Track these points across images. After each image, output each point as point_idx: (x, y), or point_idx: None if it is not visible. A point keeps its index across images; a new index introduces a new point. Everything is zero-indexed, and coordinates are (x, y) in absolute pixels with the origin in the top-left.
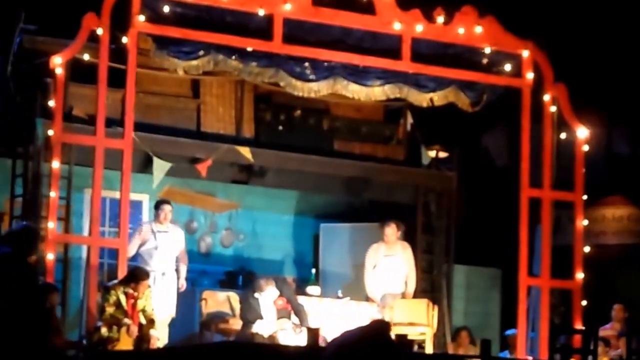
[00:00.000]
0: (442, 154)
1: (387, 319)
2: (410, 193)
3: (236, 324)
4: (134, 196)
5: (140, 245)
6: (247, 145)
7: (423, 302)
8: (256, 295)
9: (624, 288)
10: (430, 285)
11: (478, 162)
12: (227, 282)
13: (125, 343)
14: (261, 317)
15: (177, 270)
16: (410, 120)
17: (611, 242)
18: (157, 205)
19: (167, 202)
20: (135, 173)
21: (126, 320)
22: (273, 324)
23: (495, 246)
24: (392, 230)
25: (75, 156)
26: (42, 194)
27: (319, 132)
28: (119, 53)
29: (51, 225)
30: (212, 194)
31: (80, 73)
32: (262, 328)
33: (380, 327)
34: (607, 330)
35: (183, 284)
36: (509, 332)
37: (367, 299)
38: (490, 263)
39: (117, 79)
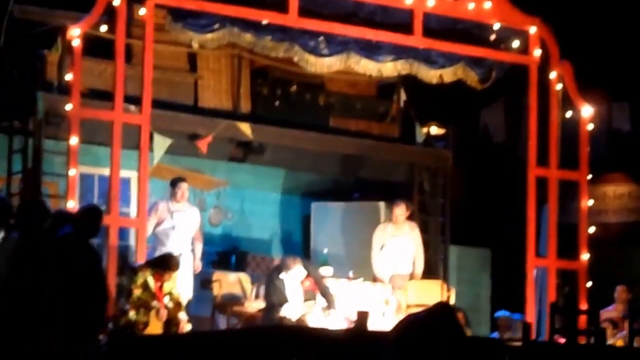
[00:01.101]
0: (437, 131)
1: (397, 300)
2: (405, 171)
3: (250, 307)
4: (122, 173)
5: (156, 225)
6: (244, 121)
7: (437, 283)
8: (282, 276)
9: (625, 267)
10: (426, 266)
11: (475, 139)
12: (219, 262)
13: (155, 327)
14: (287, 300)
15: (192, 251)
16: (403, 96)
17: (612, 221)
18: (174, 183)
19: (184, 180)
20: (123, 149)
21: (155, 303)
22: (300, 307)
23: (486, 226)
24: (401, 211)
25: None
26: (42, 171)
27: (315, 108)
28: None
29: (71, 204)
30: (200, 171)
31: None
32: (290, 311)
33: (446, 310)
34: (610, 312)
35: (199, 265)
36: (499, 313)
37: (374, 279)
38: (480, 243)
39: (112, 51)
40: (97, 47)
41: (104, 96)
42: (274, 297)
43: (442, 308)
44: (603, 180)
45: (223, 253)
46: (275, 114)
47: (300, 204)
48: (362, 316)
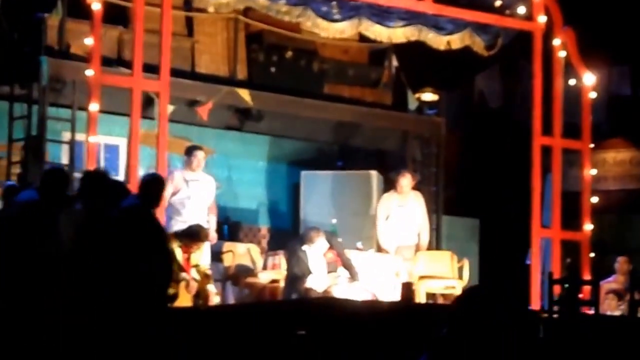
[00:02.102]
0: (432, 97)
1: (408, 271)
2: (397, 139)
3: (262, 278)
4: (110, 140)
5: (172, 195)
6: (242, 87)
7: (447, 254)
8: (304, 248)
9: (626, 236)
10: None
11: (471, 105)
12: None
13: (184, 300)
14: (310, 272)
15: (207, 222)
16: (395, 62)
17: (613, 188)
18: (189, 151)
19: (200, 148)
20: (111, 115)
21: (184, 275)
22: (324, 279)
23: (477, 195)
24: (407, 181)
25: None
26: (46, 138)
27: (310, 75)
28: None
29: None
30: (187, 138)
31: (76, 8)
32: (315, 283)
33: (511, 285)
34: (610, 283)
35: (214, 237)
36: None
37: (379, 250)
38: (469, 213)
39: (114, 15)
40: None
41: (106, 61)
42: (297, 269)
43: (505, 283)
44: (602, 147)
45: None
46: (272, 80)
47: (287, 172)
48: (407, 288)
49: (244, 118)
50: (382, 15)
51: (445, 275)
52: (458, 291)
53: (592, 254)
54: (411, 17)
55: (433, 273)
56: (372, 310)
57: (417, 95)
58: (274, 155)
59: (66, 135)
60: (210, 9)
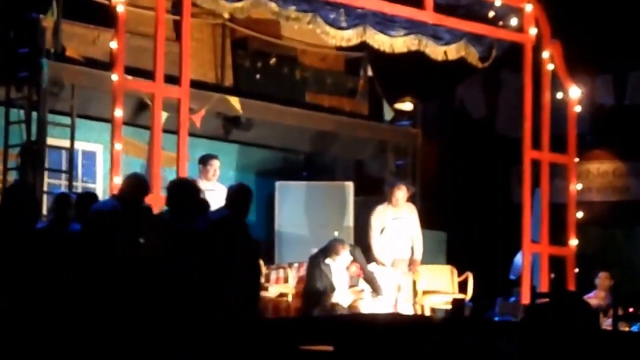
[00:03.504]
0: (409, 107)
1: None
2: (373, 149)
3: (272, 292)
4: (87, 146)
5: None
6: (229, 94)
7: (447, 268)
8: (327, 261)
9: (609, 249)
10: None
11: (451, 115)
12: None
13: None
14: (333, 286)
15: None
16: (369, 72)
17: (596, 200)
18: (205, 160)
19: (216, 157)
20: (88, 121)
21: None
22: (346, 293)
23: (447, 208)
24: (403, 193)
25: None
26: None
27: (292, 82)
28: None
29: (117, 180)
30: (163, 146)
31: (72, 10)
32: (340, 297)
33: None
34: (591, 299)
35: None
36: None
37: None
38: (437, 226)
39: (107, 17)
40: (85, 12)
41: (101, 65)
42: (319, 283)
43: (572, 298)
44: (586, 158)
45: None
46: (257, 87)
47: (255, 182)
48: (459, 304)
49: (234, 127)
50: (386, 24)
51: (446, 290)
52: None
53: (576, 269)
54: (412, 27)
55: (434, 288)
56: (423, 328)
57: (396, 105)
58: (242, 164)
59: (61, 142)
60: (226, 15)
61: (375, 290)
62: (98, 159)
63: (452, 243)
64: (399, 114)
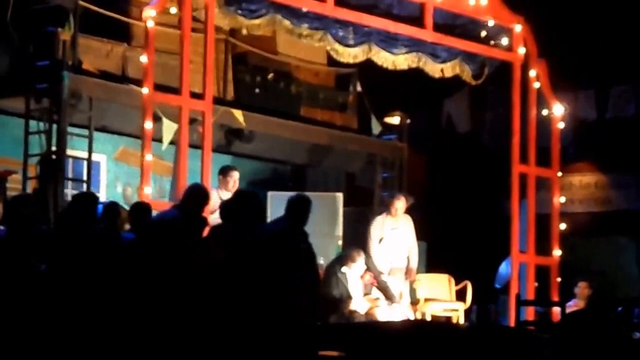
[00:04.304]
0: (398, 121)
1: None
2: (362, 162)
3: None
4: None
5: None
6: (233, 107)
7: (444, 277)
8: (344, 269)
9: (591, 258)
10: None
11: (438, 129)
12: None
13: None
14: (349, 294)
15: None
16: (358, 87)
17: (579, 211)
18: (225, 172)
19: (235, 169)
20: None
21: None
22: (362, 301)
23: (428, 219)
24: (402, 204)
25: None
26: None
27: (289, 97)
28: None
29: (147, 190)
30: (160, 156)
31: (86, 24)
32: (357, 305)
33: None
34: (571, 308)
35: None
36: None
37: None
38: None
39: (117, 31)
40: (98, 27)
41: (114, 78)
42: (336, 291)
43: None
44: (569, 170)
45: None
46: (257, 101)
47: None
48: (485, 311)
49: (236, 139)
50: (389, 42)
51: (444, 298)
52: (461, 314)
53: (559, 278)
54: (412, 45)
55: (434, 296)
56: (452, 335)
57: (385, 119)
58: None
59: (73, 152)
60: (244, 31)
61: (389, 298)
62: (102, 168)
63: (433, 253)
64: (387, 128)
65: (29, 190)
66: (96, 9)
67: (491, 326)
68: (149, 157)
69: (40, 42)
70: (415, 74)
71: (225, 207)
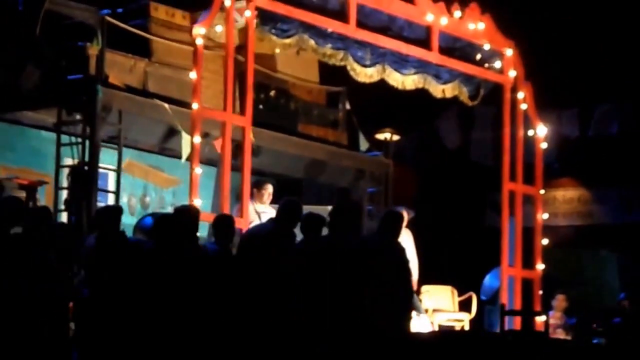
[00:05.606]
0: (391, 138)
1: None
2: (350, 177)
3: None
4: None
5: None
6: None
7: (447, 289)
8: None
9: (574, 270)
10: None
11: (427, 145)
12: None
13: None
14: None
15: None
16: (347, 105)
17: (562, 224)
18: (259, 185)
19: (269, 181)
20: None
21: None
22: None
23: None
24: (405, 217)
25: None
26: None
27: (288, 113)
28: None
29: (197, 202)
30: (161, 168)
31: (111, 39)
32: None
33: None
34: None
35: None
36: None
37: None
38: None
39: (139, 46)
40: (122, 42)
41: (137, 92)
42: None
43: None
44: (553, 185)
45: None
46: (260, 117)
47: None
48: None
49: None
50: (401, 63)
51: (448, 309)
52: (466, 325)
53: (541, 291)
54: (419, 66)
55: (439, 307)
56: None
57: (376, 135)
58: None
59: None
60: (277, 50)
61: (416, 309)
62: (110, 179)
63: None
64: (375, 144)
65: (62, 200)
66: (121, 24)
67: (530, 335)
68: (198, 170)
69: (71, 57)
70: (403, 93)
71: (333, 217)
